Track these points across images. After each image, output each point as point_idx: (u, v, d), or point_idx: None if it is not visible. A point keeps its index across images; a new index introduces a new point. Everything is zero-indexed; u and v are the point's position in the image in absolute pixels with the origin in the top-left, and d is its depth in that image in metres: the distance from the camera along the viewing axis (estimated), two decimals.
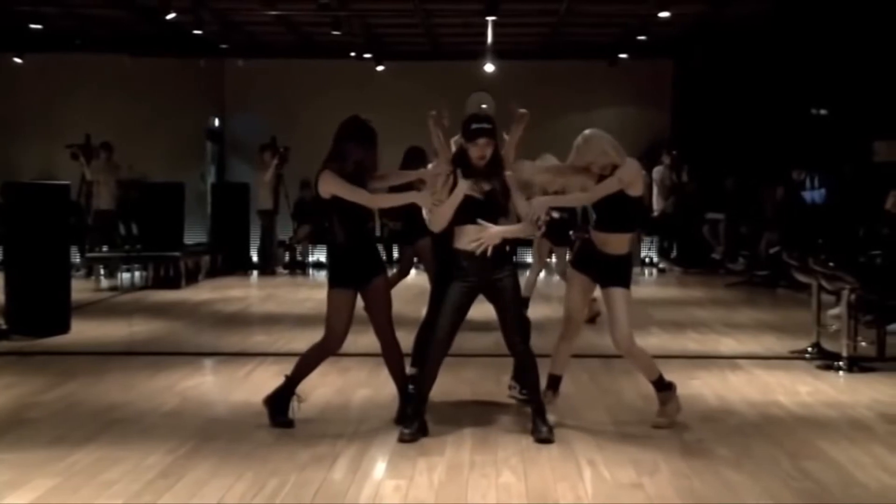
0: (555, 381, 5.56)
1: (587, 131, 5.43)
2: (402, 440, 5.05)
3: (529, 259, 15.71)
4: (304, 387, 5.54)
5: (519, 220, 5.20)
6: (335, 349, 5.42)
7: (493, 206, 5.17)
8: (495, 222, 5.16)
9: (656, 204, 15.12)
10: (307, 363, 5.46)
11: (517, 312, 5.30)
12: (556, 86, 16.39)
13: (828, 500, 4.18)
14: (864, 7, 11.61)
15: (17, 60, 15.79)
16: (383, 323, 5.42)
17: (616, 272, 5.33)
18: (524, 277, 7.88)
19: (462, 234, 5.16)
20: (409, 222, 9.16)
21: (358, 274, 5.34)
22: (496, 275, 5.17)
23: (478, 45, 15.40)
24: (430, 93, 16.15)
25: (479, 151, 5.14)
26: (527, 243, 10.21)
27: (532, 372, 5.25)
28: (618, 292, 5.29)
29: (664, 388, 5.43)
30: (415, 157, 8.84)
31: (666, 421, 5.38)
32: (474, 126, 5.17)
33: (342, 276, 5.35)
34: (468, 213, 5.14)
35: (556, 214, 8.83)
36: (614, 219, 5.29)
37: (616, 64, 16.47)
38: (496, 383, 6.50)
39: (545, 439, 5.04)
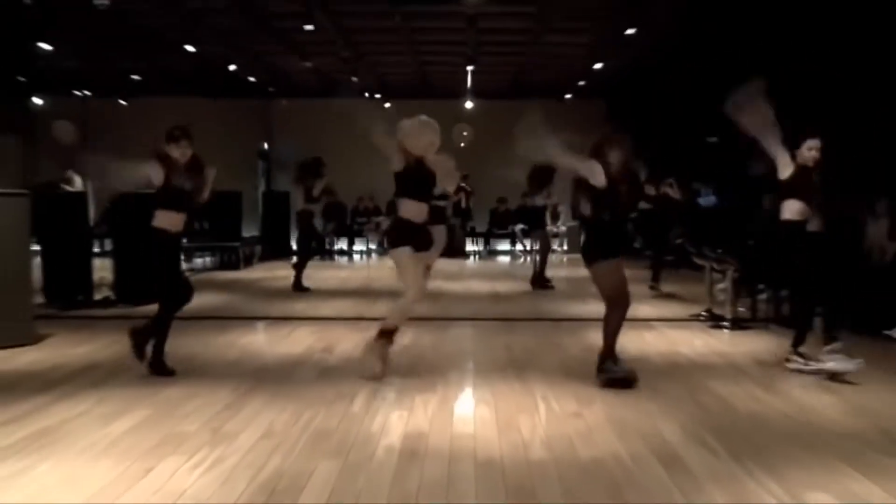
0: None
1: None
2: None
3: (501, 247, 15.63)
4: (331, 343, 5.58)
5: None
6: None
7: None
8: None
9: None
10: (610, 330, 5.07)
11: None
12: (521, 119, 16.35)
13: (714, 422, 4.22)
14: (749, 50, 11.58)
15: (123, 103, 15.82)
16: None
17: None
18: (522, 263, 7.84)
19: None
20: None
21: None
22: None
23: (460, 87, 15.40)
24: None
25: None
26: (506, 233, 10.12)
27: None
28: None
29: None
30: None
31: None
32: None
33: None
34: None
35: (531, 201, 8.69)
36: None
37: (562, 101, 16.46)
38: (474, 340, 6.52)
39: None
